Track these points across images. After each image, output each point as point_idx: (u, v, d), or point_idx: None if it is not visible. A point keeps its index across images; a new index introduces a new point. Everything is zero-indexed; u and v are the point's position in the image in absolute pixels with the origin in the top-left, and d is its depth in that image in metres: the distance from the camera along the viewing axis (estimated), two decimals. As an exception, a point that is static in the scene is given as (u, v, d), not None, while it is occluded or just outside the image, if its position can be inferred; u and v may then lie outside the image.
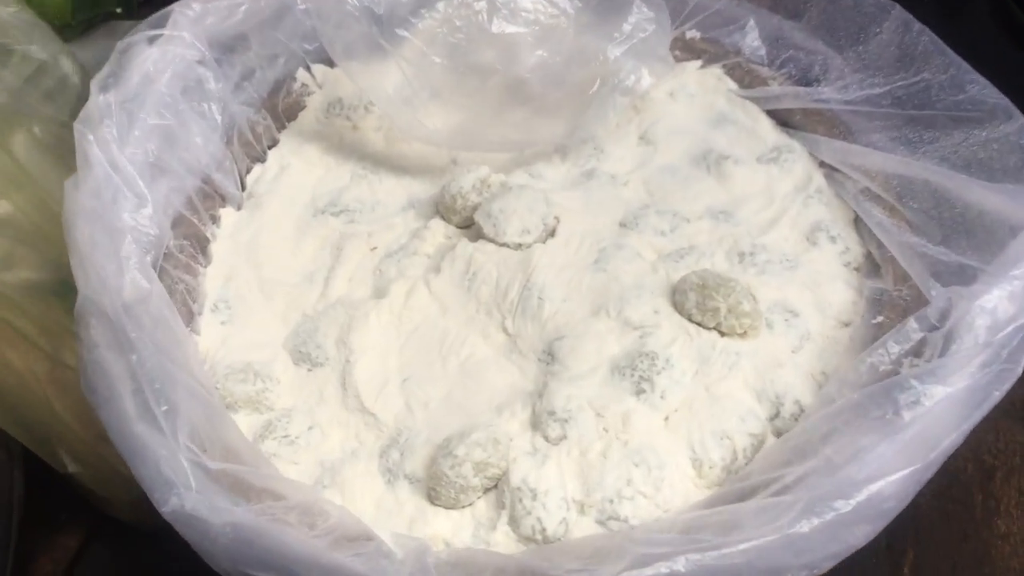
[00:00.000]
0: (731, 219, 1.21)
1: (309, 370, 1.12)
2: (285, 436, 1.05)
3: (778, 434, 1.06)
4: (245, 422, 1.12)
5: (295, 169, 1.34)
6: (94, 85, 1.16)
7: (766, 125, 1.32)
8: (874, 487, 0.75)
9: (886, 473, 0.76)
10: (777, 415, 1.02)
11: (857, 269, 1.17)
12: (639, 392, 1.01)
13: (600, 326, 1.08)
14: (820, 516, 0.84)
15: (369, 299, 1.16)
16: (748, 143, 1.30)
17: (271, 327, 1.16)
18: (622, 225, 1.21)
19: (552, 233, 1.18)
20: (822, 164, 1.25)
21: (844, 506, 0.84)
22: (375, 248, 1.24)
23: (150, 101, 1.20)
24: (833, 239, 1.19)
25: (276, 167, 1.33)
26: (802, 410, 1.02)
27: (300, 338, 1.13)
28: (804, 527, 0.75)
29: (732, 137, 1.33)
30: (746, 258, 1.16)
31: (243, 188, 1.31)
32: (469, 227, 1.21)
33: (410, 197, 1.31)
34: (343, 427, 1.08)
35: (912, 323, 1.01)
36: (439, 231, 1.24)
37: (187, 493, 0.88)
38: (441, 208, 1.29)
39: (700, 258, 1.16)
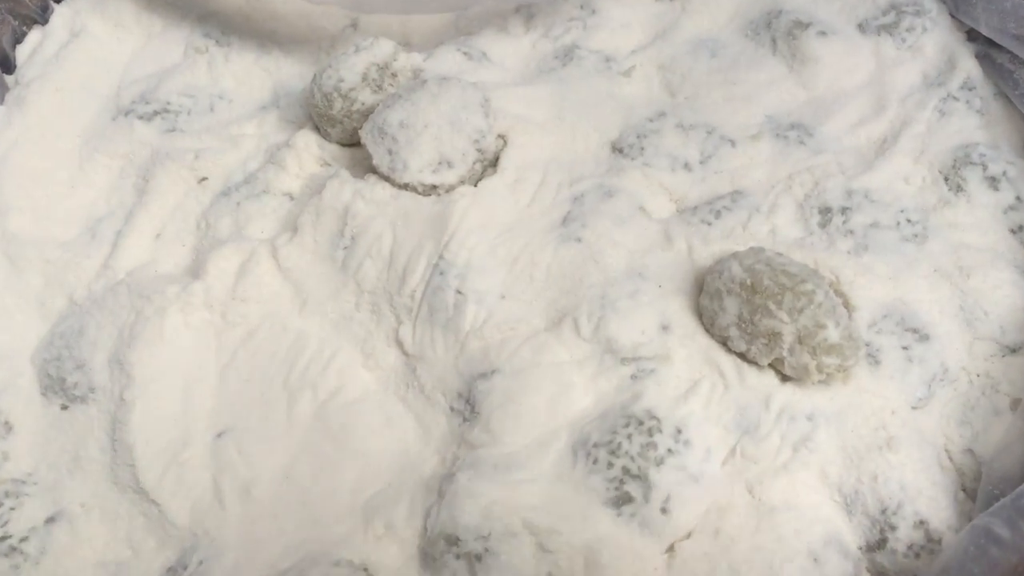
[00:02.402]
0: (810, 139, 0.80)
1: (64, 408, 0.73)
2: (2, 538, 0.68)
3: (881, 579, 0.63)
4: (-62, 506, 0.67)
5: (94, 36, 0.93)
6: None
7: (877, -35, 0.88)
8: None
9: None
10: (882, 544, 0.63)
11: (1035, 239, 0.76)
12: (621, 501, 0.62)
13: (561, 351, 0.70)
14: None
15: (177, 278, 0.78)
16: (845, -2, 0.89)
17: (15, 323, 0.78)
18: (617, 150, 0.81)
19: (493, 164, 0.79)
20: (973, 37, 0.83)
21: None
22: (204, 180, 0.85)
23: None
24: (993, 181, 0.76)
25: (63, 33, 0.94)
26: (930, 539, 0.63)
27: (55, 349, 0.75)
28: None
29: (818, -14, 0.92)
30: (834, 218, 0.74)
31: (8, 71, 0.91)
32: (358, 146, 0.82)
33: (276, 87, 0.92)
34: (107, 519, 0.70)
35: None
36: (310, 152, 0.84)
37: None
38: (313, 112, 0.80)
39: (752, 217, 0.75)
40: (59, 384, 0.73)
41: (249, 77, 0.91)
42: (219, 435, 0.71)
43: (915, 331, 0.68)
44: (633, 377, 0.66)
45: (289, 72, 0.91)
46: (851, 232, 0.72)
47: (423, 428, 0.69)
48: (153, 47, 0.93)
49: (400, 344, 0.72)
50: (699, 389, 0.65)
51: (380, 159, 0.76)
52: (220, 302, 0.75)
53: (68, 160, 0.86)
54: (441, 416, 0.69)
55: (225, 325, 0.75)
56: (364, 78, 0.80)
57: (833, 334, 0.63)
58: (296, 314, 0.75)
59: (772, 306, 0.64)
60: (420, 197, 0.75)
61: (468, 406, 0.67)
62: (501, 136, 0.78)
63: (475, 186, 0.76)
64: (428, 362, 0.70)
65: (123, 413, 0.71)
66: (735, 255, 0.67)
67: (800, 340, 0.63)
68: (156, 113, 0.87)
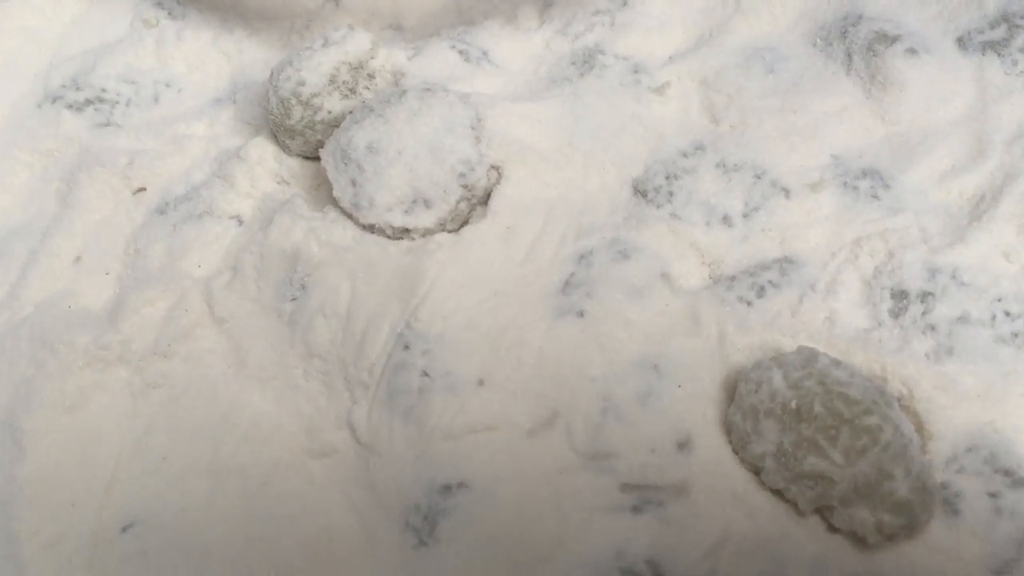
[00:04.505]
0: (886, 191, 0.64)
1: (-56, 482, 0.64)
2: None
3: None
4: None
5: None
6: None
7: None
8: None
9: None
10: None
11: None
12: None
13: (548, 466, 0.55)
14: None
15: (93, 319, 0.64)
16: (943, 4, 0.71)
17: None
18: (640, 192, 0.66)
19: (483, 203, 0.65)
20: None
21: None
22: (141, 191, 0.72)
23: None
24: (1126, 265, 0.62)
25: (-10, -4, 0.86)
26: None
27: (-61, 404, 0.65)
28: None
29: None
30: (911, 306, 0.58)
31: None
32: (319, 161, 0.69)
33: (234, 76, 0.79)
34: (-14, 629, 0.61)
35: None
36: (265, 167, 0.71)
37: None
38: (269, 120, 0.70)
39: (804, 297, 0.60)
40: (-60, 453, 0.61)
41: (204, 61, 0.78)
42: (124, 529, 0.58)
43: (1007, 473, 0.52)
44: (635, 510, 0.52)
45: (252, 56, 0.77)
46: (932, 328, 0.56)
47: (371, 543, 0.56)
48: (95, 15, 0.82)
49: (351, 428, 0.59)
50: (721, 536, 0.51)
51: (341, 191, 0.62)
52: (139, 357, 0.63)
53: (-22, 159, 0.73)
54: (394, 531, 0.56)
55: (143, 386, 0.63)
56: (332, 80, 0.65)
57: (901, 486, 0.49)
58: (231, 378, 0.63)
59: (823, 442, 0.49)
60: (388, 243, 0.62)
61: (427, 525, 0.54)
62: (495, 168, 0.62)
63: (457, 232, 0.61)
64: (383, 457, 0.57)
65: (10, 494, 0.59)
66: (779, 360, 0.52)
67: (857, 490, 0.49)
68: (89, 102, 0.75)
